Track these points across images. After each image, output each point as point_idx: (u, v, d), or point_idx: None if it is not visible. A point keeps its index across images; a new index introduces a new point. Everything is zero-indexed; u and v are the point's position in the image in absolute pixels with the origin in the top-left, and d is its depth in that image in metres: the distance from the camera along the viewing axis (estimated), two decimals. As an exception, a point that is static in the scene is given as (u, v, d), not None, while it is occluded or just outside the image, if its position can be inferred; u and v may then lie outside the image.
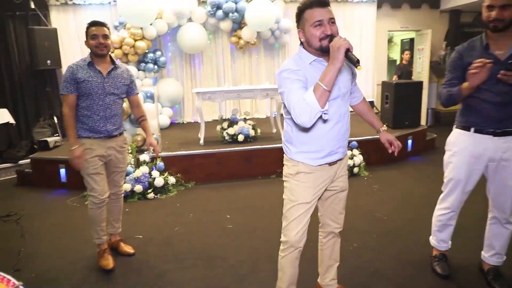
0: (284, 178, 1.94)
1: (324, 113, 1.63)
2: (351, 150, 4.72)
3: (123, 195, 3.00)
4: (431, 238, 2.59)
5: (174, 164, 4.50)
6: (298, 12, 1.71)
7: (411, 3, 8.03)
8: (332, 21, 1.66)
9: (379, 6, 7.90)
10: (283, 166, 1.96)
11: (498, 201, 2.23)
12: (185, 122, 7.37)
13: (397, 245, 2.91)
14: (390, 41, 8.77)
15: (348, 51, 1.52)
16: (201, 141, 5.03)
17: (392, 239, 3.00)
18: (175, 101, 6.94)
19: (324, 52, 1.66)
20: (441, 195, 2.44)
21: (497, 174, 2.19)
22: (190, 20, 6.74)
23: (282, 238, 1.94)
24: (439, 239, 2.51)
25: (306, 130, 1.76)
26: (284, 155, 1.92)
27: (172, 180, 4.30)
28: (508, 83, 1.96)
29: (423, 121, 7.11)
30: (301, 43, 1.78)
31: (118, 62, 2.74)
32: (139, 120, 2.89)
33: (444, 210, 2.42)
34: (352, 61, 1.55)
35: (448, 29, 8.25)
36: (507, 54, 2.03)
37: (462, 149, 2.22)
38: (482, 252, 2.42)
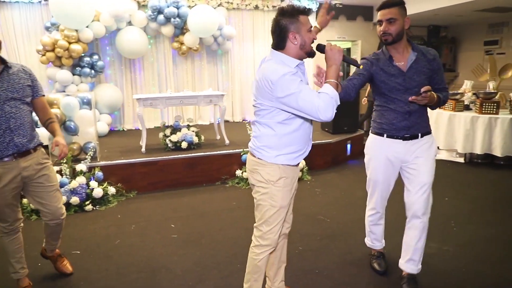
0: (260, 185, 1.92)
1: None
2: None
3: (64, 217, 2.44)
4: (366, 239, 2.74)
5: (114, 173, 4.30)
6: (290, 15, 1.76)
7: (347, 15, 8.48)
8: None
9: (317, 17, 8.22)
10: (252, 172, 1.94)
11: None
12: (125, 129, 7.08)
13: (340, 245, 3.02)
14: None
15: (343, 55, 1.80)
16: (143, 149, 4.86)
17: (334, 240, 3.11)
18: (114, 108, 6.64)
19: (309, 56, 1.85)
20: (368, 197, 2.59)
21: (411, 173, 2.29)
22: (130, 23, 6.53)
23: (262, 242, 1.97)
24: (373, 238, 2.66)
25: (292, 131, 1.85)
26: (258, 161, 1.91)
27: (112, 190, 4.10)
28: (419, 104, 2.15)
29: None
30: (278, 48, 1.83)
31: (11, 62, 2.23)
32: (46, 123, 2.38)
33: (371, 211, 2.58)
34: (354, 63, 1.98)
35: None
36: (407, 66, 2.19)
37: (378, 152, 2.37)
38: (400, 260, 2.43)
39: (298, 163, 1.97)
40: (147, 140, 5.01)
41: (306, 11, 1.80)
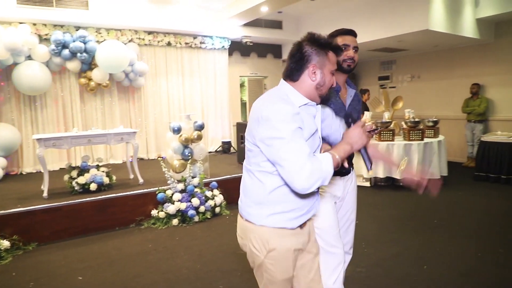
0: (252, 255, 1.54)
1: None
2: (212, 191, 4.80)
3: None
4: None
5: (9, 224, 3.80)
6: (320, 46, 1.44)
7: (258, 52, 8.93)
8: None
9: (230, 54, 8.54)
10: (242, 239, 1.58)
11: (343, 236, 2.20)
12: (24, 173, 6.39)
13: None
14: (242, 85, 9.49)
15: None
16: (45, 194, 4.41)
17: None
18: (11, 149, 5.98)
19: (322, 101, 1.54)
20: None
21: (340, 211, 2.20)
22: (29, 58, 6.06)
23: None
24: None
25: (285, 183, 1.45)
26: (245, 223, 1.53)
27: (5, 244, 3.60)
28: None
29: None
30: (289, 79, 1.49)
31: None
32: None
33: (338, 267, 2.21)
34: (366, 164, 1.65)
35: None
36: (347, 102, 2.06)
37: (325, 192, 2.10)
38: None
39: (302, 225, 1.54)
40: (51, 184, 4.58)
41: (338, 50, 1.51)
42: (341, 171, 2.02)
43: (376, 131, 1.93)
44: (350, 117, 1.55)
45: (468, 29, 6.42)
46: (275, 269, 1.49)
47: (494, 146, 5.87)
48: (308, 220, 1.58)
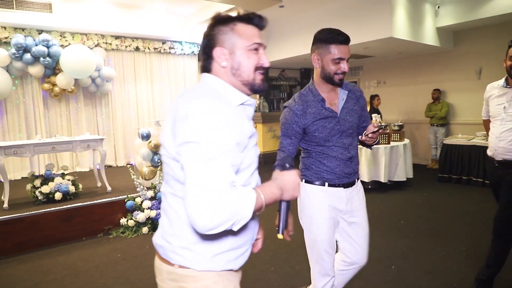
0: None
1: None
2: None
3: None
4: None
5: (-34, 237, 3.60)
6: (222, 25, 1.15)
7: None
8: None
9: (199, 59, 8.46)
10: None
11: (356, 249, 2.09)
12: (-18, 183, 6.07)
13: None
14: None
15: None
16: (5, 205, 4.20)
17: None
18: (-32, 158, 5.66)
19: (256, 90, 1.20)
20: (313, 267, 2.09)
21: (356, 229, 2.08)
22: (-13, 62, 5.80)
23: None
24: None
25: None
26: (179, 272, 1.11)
27: (-38, 258, 3.41)
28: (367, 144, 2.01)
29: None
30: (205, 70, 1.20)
31: None
32: None
33: (325, 279, 2.06)
34: (280, 224, 1.26)
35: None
36: (339, 107, 1.95)
37: (321, 204, 1.99)
38: None
39: (239, 267, 1.21)
40: (12, 194, 4.38)
41: (249, 20, 1.17)
42: (342, 181, 1.98)
43: (379, 131, 1.91)
44: (287, 162, 1.23)
45: (429, 37, 6.72)
46: None
47: (456, 149, 6.15)
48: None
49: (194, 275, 1.10)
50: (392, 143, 5.88)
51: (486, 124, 2.83)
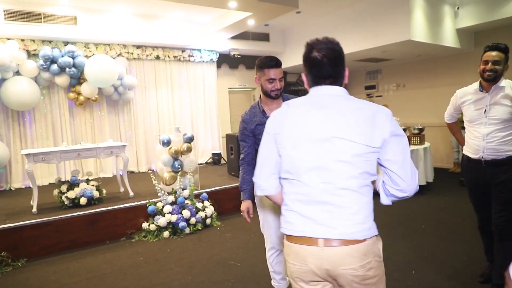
0: (380, 262, 1.48)
1: None
2: (202, 202, 4.82)
3: None
4: (272, 282, 2.68)
5: (-2, 240, 3.77)
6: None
7: (246, 64, 9.03)
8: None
9: (218, 66, 8.63)
10: (363, 266, 1.41)
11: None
12: (13, 189, 6.33)
13: (251, 289, 3.04)
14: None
15: None
16: (34, 209, 4.38)
17: (247, 284, 3.12)
18: (0, 165, 5.94)
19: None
20: (265, 238, 2.62)
21: None
22: (18, 73, 6.06)
23: None
24: (279, 278, 2.63)
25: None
26: (366, 245, 1.37)
27: (-6, 260, 3.58)
28: None
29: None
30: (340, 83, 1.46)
31: None
32: None
33: (270, 251, 2.58)
34: None
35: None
36: None
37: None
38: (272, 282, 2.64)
39: None
40: (40, 199, 4.56)
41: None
42: None
43: None
44: None
45: (448, 39, 6.62)
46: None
47: (478, 152, 6.01)
48: None
49: (372, 242, 1.39)
50: (412, 147, 5.81)
51: (451, 127, 3.22)
